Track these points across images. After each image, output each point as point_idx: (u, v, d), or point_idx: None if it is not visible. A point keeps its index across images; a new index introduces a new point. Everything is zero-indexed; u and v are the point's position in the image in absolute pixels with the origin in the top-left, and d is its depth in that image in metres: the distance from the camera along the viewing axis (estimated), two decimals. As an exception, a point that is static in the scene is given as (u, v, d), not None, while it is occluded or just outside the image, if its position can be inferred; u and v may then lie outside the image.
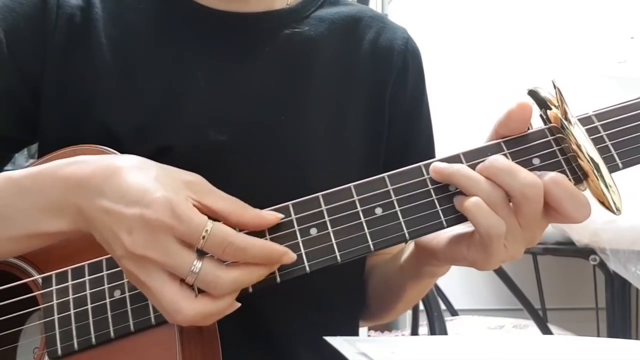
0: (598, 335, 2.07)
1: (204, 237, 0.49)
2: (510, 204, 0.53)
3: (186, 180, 0.52)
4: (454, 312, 2.04)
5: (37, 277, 0.60)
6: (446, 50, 1.99)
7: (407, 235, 0.55)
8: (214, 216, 0.51)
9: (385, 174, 0.56)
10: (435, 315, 1.52)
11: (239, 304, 0.53)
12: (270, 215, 0.54)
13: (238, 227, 0.53)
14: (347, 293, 0.77)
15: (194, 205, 0.51)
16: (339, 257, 0.54)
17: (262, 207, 0.55)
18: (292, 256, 0.53)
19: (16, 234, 0.55)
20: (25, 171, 0.57)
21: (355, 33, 0.79)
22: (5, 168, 0.75)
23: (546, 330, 1.73)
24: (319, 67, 0.75)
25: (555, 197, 0.52)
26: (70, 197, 0.53)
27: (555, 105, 0.55)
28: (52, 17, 0.70)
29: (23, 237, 0.55)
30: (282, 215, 0.55)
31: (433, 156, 0.59)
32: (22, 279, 0.61)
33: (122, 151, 0.56)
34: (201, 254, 0.50)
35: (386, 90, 0.77)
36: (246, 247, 0.51)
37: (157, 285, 0.50)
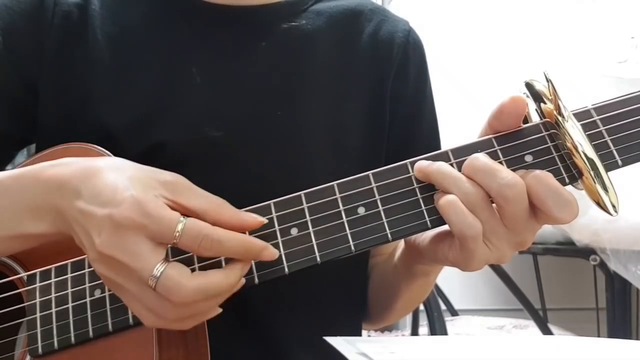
0: (598, 336, 2.07)
1: (178, 234, 0.48)
2: (494, 204, 0.51)
3: (162, 180, 0.51)
4: (454, 312, 2.04)
5: (23, 274, 0.60)
6: (448, 49, 1.99)
7: (389, 235, 0.53)
8: (190, 215, 0.50)
9: (370, 172, 0.55)
10: (435, 315, 1.52)
11: (220, 310, 0.52)
12: (249, 217, 0.52)
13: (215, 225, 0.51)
14: (349, 293, 0.76)
15: (168, 205, 0.49)
16: (318, 258, 0.53)
17: (257, 204, 0.54)
18: (273, 252, 0.52)
19: None
20: (9, 172, 0.56)
21: (354, 27, 0.77)
22: (6, 168, 0.75)
23: (546, 331, 1.73)
24: (317, 61, 0.74)
25: (537, 195, 0.50)
26: (50, 199, 0.53)
27: (549, 99, 0.53)
28: (49, 14, 0.70)
29: (4, 238, 0.55)
30: (263, 220, 0.53)
31: None
32: (8, 276, 0.61)
33: (117, 147, 0.55)
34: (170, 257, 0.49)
35: (387, 85, 0.76)
36: (222, 240, 0.49)
37: (126, 287, 0.49)
